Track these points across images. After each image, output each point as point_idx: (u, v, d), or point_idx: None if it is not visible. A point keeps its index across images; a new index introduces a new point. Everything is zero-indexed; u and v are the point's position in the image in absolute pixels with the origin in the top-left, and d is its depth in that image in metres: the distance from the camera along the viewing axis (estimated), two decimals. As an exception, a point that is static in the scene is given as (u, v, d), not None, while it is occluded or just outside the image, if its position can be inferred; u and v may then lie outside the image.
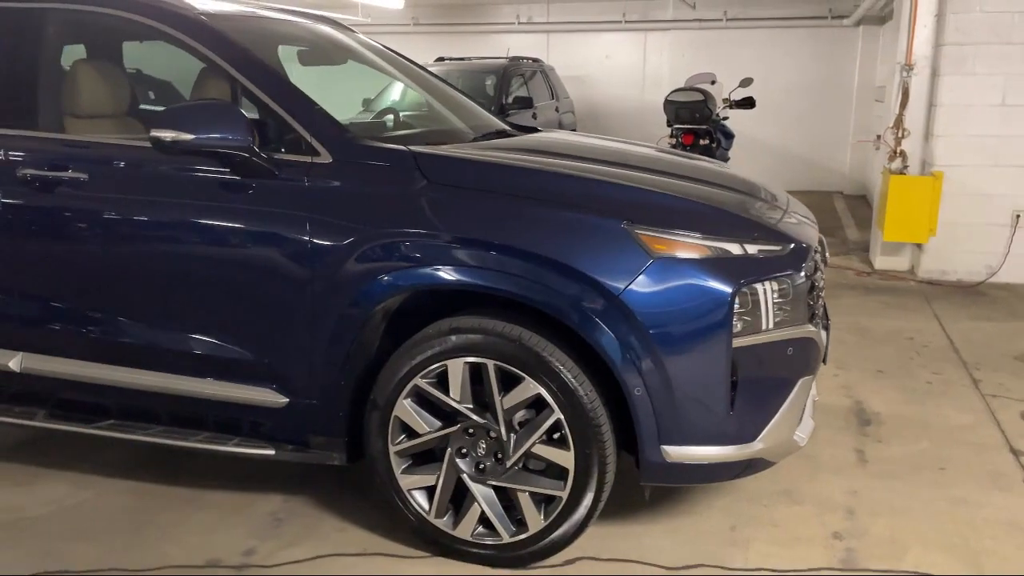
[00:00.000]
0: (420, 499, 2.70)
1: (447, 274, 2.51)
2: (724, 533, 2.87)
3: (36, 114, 2.96)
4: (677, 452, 2.46)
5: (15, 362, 3.00)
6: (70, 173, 2.84)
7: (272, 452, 2.82)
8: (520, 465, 2.59)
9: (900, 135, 6.72)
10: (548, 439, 2.53)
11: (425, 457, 2.71)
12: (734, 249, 2.47)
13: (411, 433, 2.66)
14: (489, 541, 2.65)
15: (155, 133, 2.59)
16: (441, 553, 2.71)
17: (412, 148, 2.71)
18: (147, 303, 2.87)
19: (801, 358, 2.61)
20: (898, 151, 6.73)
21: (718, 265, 2.43)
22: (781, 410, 2.57)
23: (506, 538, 2.62)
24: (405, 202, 2.58)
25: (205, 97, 3.08)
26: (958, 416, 3.90)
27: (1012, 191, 6.46)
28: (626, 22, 12.17)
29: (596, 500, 2.53)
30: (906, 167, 6.69)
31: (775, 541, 2.83)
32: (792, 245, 2.61)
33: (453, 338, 2.54)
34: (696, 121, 8.06)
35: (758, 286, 2.45)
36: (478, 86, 9.52)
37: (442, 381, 2.59)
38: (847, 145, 11.57)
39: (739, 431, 2.50)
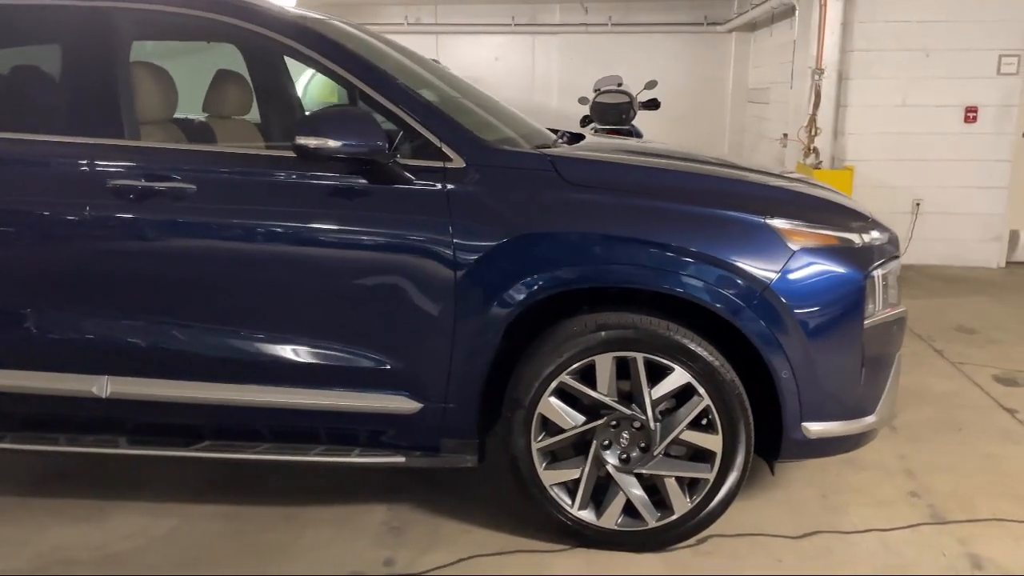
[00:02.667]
0: (561, 493, 2.76)
1: (598, 273, 2.60)
2: (819, 501, 3.12)
3: (122, 122, 2.77)
4: (816, 429, 2.66)
5: (99, 387, 2.80)
6: (173, 183, 2.69)
7: (402, 459, 2.80)
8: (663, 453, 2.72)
9: (813, 133, 7.31)
10: (693, 425, 2.67)
11: (563, 452, 2.78)
12: (856, 239, 2.71)
13: (553, 429, 2.72)
14: (633, 528, 2.75)
15: (300, 141, 2.53)
16: (583, 544, 2.79)
17: (547, 151, 2.77)
18: (264, 316, 2.76)
19: (899, 334, 2.89)
20: (811, 148, 7.31)
21: (847, 254, 2.65)
22: (888, 384, 2.84)
23: (651, 523, 2.74)
24: (549, 204, 2.64)
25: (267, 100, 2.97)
26: (942, 384, 4.36)
27: (912, 182, 7.19)
28: (515, 25, 12.38)
29: (739, 480, 2.70)
30: (819, 163, 7.28)
31: (866, 504, 3.10)
32: (889, 233, 2.88)
33: (602, 334, 2.63)
34: (622, 122, 8.38)
35: (875, 272, 2.70)
36: None
37: (586, 376, 2.68)
38: (724, 143, 12.34)
39: (863, 406, 2.74)
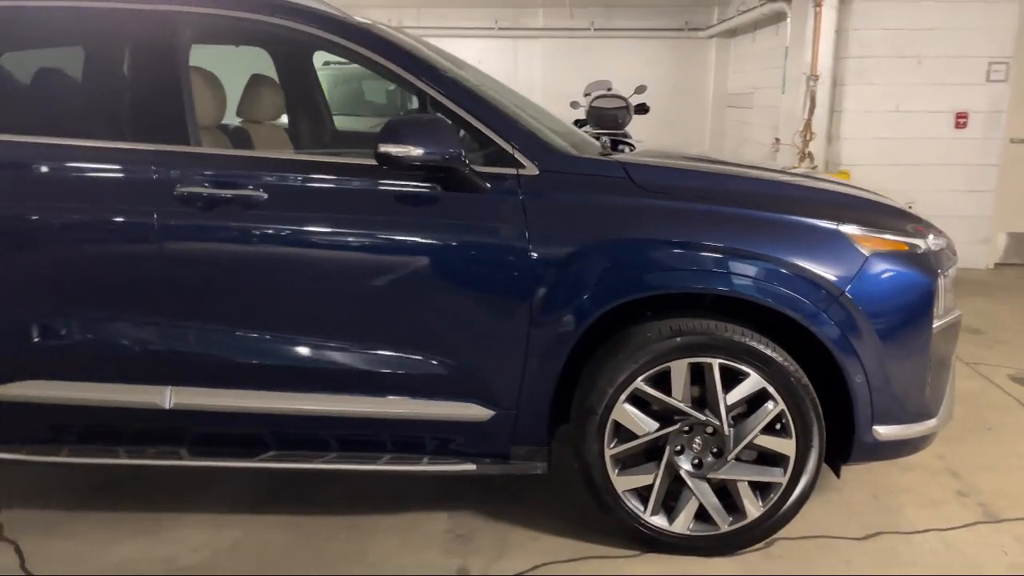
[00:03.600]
0: (633, 500, 2.77)
1: (676, 278, 2.61)
2: (873, 502, 3.17)
3: (187, 128, 2.72)
4: (885, 432, 2.71)
5: (164, 398, 2.75)
6: (244, 191, 2.65)
7: (473, 467, 2.79)
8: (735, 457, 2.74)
9: (808, 138, 7.43)
10: (767, 429, 2.70)
11: (633, 459, 2.79)
12: (921, 244, 2.76)
13: (625, 436, 2.73)
14: (705, 532, 2.78)
15: (384, 148, 2.51)
16: (654, 549, 2.81)
17: (619, 158, 2.79)
18: (335, 324, 2.73)
19: (955, 337, 2.95)
20: (806, 152, 7.44)
21: (916, 259, 2.70)
22: (947, 386, 2.90)
23: (723, 528, 2.76)
24: (625, 210, 2.65)
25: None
26: (962, 384, 4.44)
27: (905, 186, 7.31)
28: (499, 28, 12.40)
29: (811, 483, 2.73)
30: (814, 167, 7.40)
31: (918, 504, 3.16)
32: (946, 239, 2.94)
33: (678, 340, 2.64)
34: (618, 127, 8.42)
35: (940, 276, 2.76)
36: (378, 91, 9.40)
37: (659, 382, 2.69)
38: (705, 147, 12.48)
39: (928, 409, 2.79)
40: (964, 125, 7.18)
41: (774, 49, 9.50)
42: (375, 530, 2.95)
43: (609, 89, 9.59)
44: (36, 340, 2.74)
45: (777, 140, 8.23)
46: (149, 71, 2.73)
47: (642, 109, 9.37)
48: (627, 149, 9.08)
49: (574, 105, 9.55)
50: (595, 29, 12.32)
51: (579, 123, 9.29)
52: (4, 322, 2.74)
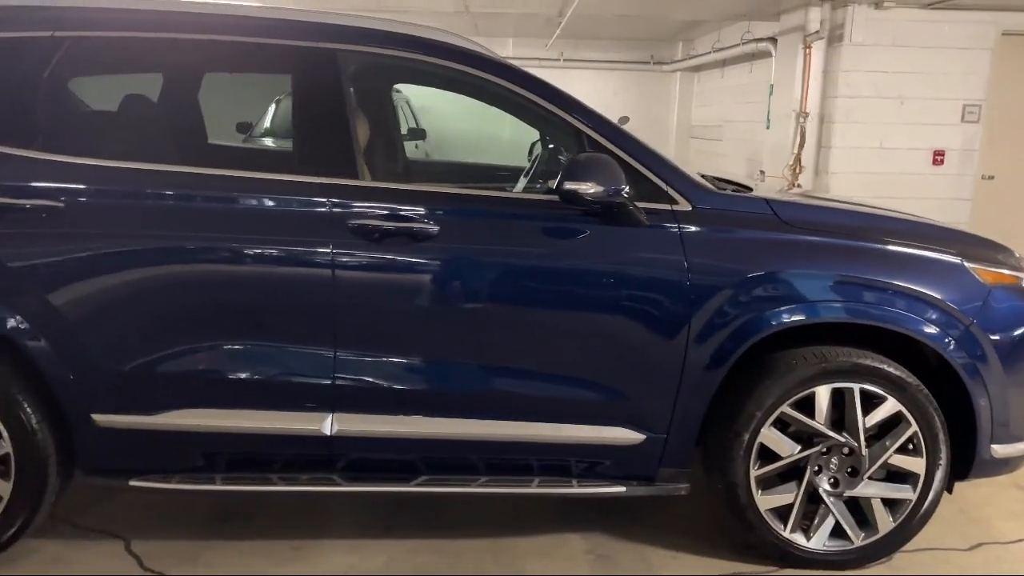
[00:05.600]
0: (774, 518, 2.94)
1: (824, 310, 2.81)
2: (961, 515, 3.42)
3: (356, 163, 2.78)
4: (1002, 450, 2.95)
5: (326, 425, 2.78)
6: (417, 224, 2.73)
7: (623, 489, 2.91)
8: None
9: (797, 171, 7.82)
10: (899, 449, 2.91)
11: (771, 479, 2.95)
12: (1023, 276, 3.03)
13: (767, 457, 2.90)
14: (839, 547, 2.96)
15: (568, 185, 2.63)
16: (791, 565, 2.97)
17: (763, 195, 2.98)
18: (498, 353, 2.83)
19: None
20: (795, 184, 7.82)
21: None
22: None
23: (857, 542, 2.95)
24: (775, 245, 2.84)
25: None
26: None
27: (887, 219, 7.79)
28: (470, 57, 12.59)
29: (937, 499, 2.95)
30: (803, 199, 7.78)
31: (1003, 516, 3.42)
32: None
33: (823, 366, 2.83)
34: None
35: None
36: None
37: (800, 406, 2.87)
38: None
39: (1036, 427, 3.05)
40: (941, 162, 7.68)
41: (747, 85, 9.96)
42: (516, 553, 3.03)
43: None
44: (198, 369, 2.74)
45: (762, 173, 8.61)
46: (318, 108, 2.80)
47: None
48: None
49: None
50: (564, 59, 12.65)
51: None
52: (165, 352, 2.73)
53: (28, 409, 2.69)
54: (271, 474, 2.86)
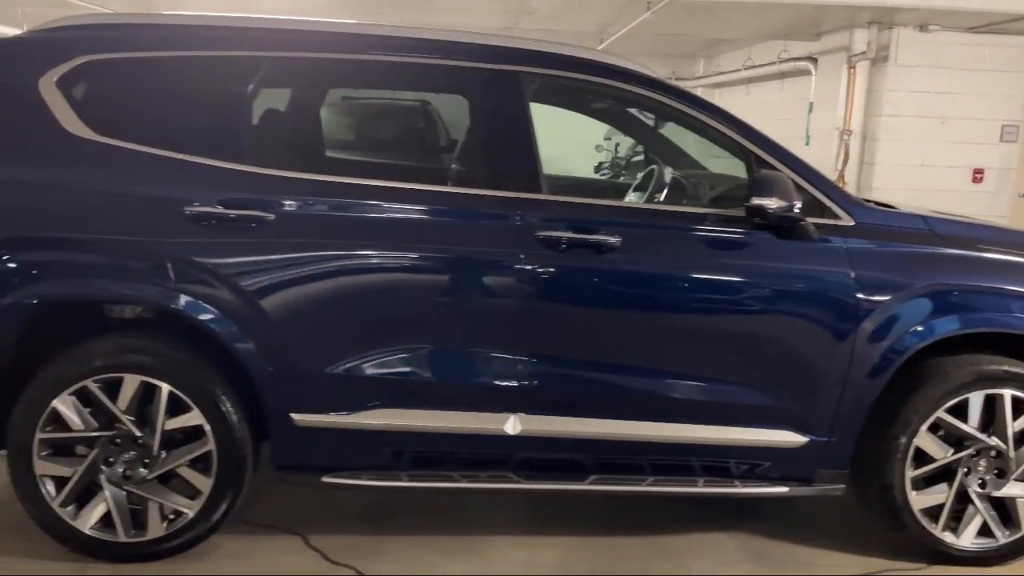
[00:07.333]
0: (926, 518, 3.09)
1: (983, 320, 2.99)
2: None
3: (539, 178, 2.93)
4: None
5: (510, 424, 2.91)
6: (600, 236, 2.87)
7: (786, 490, 3.06)
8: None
9: (841, 187, 8.04)
10: (1037, 452, 3.09)
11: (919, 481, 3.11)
12: None
13: (921, 459, 3.06)
14: (985, 545, 3.12)
15: (757, 201, 2.80)
16: (939, 562, 3.12)
17: (919, 212, 3.15)
18: (673, 359, 2.98)
19: None
20: (838, 201, 8.03)
21: None
22: None
23: (1000, 540, 3.11)
24: (935, 259, 3.01)
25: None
26: None
27: (928, 234, 8.04)
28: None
29: (1072, 497, 3.13)
30: (846, 214, 8.01)
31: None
32: None
33: (978, 373, 3.00)
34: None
35: None
36: (409, 126, 9.52)
37: (956, 412, 3.04)
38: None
39: None
40: (981, 180, 7.95)
41: (778, 103, 10.19)
42: (676, 550, 3.17)
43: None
44: (392, 371, 2.86)
45: (800, 188, 8.81)
46: (503, 125, 2.97)
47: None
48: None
49: (598, 148, 9.96)
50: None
51: (601, 165, 9.74)
52: (363, 355, 2.85)
53: (231, 409, 2.80)
54: (453, 472, 2.98)
